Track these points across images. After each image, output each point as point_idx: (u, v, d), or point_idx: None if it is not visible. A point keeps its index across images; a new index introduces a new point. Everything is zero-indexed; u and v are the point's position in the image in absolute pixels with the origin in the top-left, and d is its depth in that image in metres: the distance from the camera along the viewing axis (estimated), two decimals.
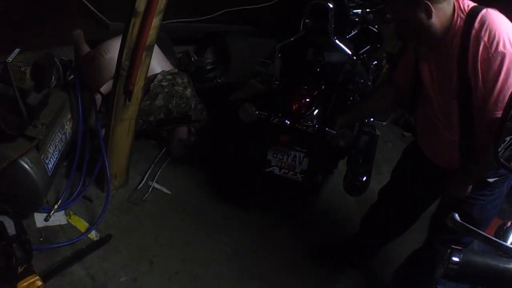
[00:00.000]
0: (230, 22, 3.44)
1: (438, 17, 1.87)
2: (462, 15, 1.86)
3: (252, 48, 3.39)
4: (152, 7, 2.21)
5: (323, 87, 2.63)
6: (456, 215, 1.25)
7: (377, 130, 2.91)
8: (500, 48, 1.76)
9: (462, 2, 1.90)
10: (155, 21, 2.29)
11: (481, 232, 1.23)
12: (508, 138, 1.37)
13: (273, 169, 2.62)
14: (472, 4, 1.91)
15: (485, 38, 1.79)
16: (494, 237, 1.35)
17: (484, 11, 1.84)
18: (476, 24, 1.82)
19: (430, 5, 1.85)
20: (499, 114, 1.74)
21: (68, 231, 2.39)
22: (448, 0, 1.89)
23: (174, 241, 2.55)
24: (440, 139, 2.08)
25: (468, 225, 1.24)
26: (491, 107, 1.81)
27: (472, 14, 1.85)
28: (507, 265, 1.10)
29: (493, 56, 1.78)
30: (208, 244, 2.60)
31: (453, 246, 1.09)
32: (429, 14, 1.87)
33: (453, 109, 1.94)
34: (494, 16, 1.83)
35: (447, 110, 1.97)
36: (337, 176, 2.82)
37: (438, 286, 2.31)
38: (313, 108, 2.53)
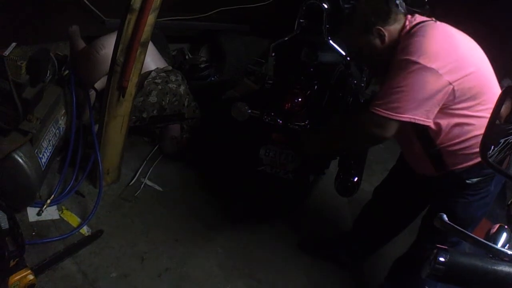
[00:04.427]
0: (225, 20, 3.46)
1: (391, 40, 1.90)
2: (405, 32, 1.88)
3: (246, 47, 3.41)
4: (148, 4, 2.22)
5: (316, 87, 2.64)
6: (444, 216, 1.23)
7: None
8: (407, 56, 1.77)
9: (411, 19, 1.90)
10: (150, 18, 2.30)
11: (469, 233, 1.21)
12: (502, 140, 1.37)
13: (265, 167, 2.62)
14: (421, 19, 1.90)
15: (400, 46, 1.83)
16: (484, 239, 1.33)
17: (421, 24, 1.86)
18: (406, 38, 1.84)
19: (382, 29, 1.88)
20: (374, 109, 1.82)
21: (60, 226, 2.40)
22: (398, 20, 1.90)
23: (165, 238, 2.57)
24: (413, 150, 2.10)
25: (456, 226, 1.21)
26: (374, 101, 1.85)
27: (411, 29, 1.87)
28: (495, 267, 1.07)
29: (397, 61, 1.81)
30: (198, 242, 2.61)
31: (439, 246, 1.06)
32: (382, 38, 1.90)
33: (407, 126, 1.92)
34: (427, 28, 1.83)
35: (403, 127, 1.96)
36: (329, 176, 2.83)
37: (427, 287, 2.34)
38: (306, 108, 2.54)
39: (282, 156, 2.58)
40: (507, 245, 1.29)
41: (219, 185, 3.01)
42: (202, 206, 2.87)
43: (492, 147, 1.34)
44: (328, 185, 2.67)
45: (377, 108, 1.83)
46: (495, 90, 1.91)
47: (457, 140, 1.91)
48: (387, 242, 2.63)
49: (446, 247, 1.05)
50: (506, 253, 1.16)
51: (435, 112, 1.83)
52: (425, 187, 2.19)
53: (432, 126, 1.88)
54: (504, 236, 1.33)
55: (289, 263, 2.67)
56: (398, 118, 1.80)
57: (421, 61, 1.75)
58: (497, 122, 1.24)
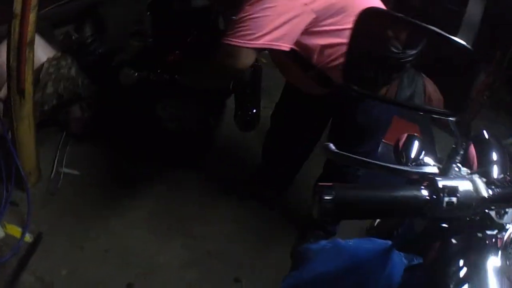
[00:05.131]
0: None
1: None
2: None
3: (126, 10, 3.38)
4: (27, 6, 2.19)
5: (195, 32, 2.68)
6: (331, 145, 1.10)
7: (262, 59, 2.98)
8: None
9: None
10: (32, 17, 2.27)
11: (361, 158, 1.09)
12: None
13: (166, 124, 2.71)
14: None
15: None
16: (400, 149, 1.30)
17: None
18: None
19: None
20: (225, 39, 1.79)
21: (9, 242, 2.41)
22: None
23: (95, 220, 2.65)
24: (293, 74, 2.14)
25: (345, 153, 1.08)
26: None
27: None
28: (391, 193, 0.96)
29: None
30: (127, 214, 2.72)
31: (322, 184, 0.94)
32: None
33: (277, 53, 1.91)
34: None
35: (273, 54, 1.97)
36: (230, 113, 2.87)
37: None
38: (189, 55, 2.57)
39: (178, 109, 2.66)
40: (422, 154, 1.26)
41: (130, 154, 3.04)
42: (119, 178, 2.94)
43: None
44: (231, 123, 2.71)
45: (227, 38, 1.79)
46: (364, 2, 1.78)
47: (333, 57, 1.90)
48: (300, 165, 2.74)
49: (330, 183, 0.94)
50: (411, 171, 1.10)
51: (295, 36, 1.81)
52: (319, 102, 2.20)
53: (301, 50, 1.88)
54: (415, 146, 1.29)
55: (217, 211, 2.84)
56: (249, 45, 1.76)
57: None
58: None
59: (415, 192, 0.95)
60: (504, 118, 4.19)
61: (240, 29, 1.75)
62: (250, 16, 1.73)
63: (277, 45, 1.78)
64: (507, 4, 3.62)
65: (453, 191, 0.94)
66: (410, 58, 1.54)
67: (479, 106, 3.82)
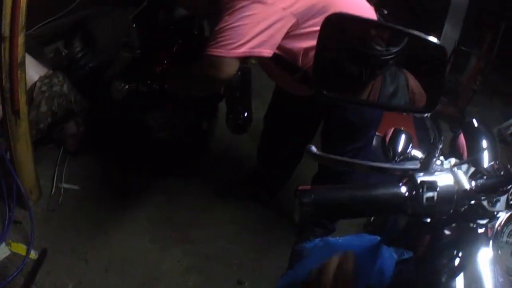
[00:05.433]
0: (90, 4, 3.44)
1: None
2: None
3: (114, 23, 3.40)
4: (15, 29, 2.23)
5: (180, 41, 2.70)
6: (313, 147, 1.10)
7: (252, 60, 3.03)
8: None
9: None
10: (21, 39, 2.30)
11: (343, 159, 1.11)
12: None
13: (157, 133, 2.73)
14: None
15: None
16: (387, 144, 1.27)
17: None
18: None
19: None
20: (206, 51, 1.80)
21: (15, 260, 2.44)
22: None
23: (96, 233, 2.69)
24: (280, 78, 2.15)
25: (327, 155, 1.10)
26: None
27: None
28: (372, 192, 0.96)
29: (224, 3, 1.78)
30: (125, 226, 2.76)
31: (300, 188, 0.94)
32: None
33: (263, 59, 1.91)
34: None
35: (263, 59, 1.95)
36: (222, 117, 2.86)
37: None
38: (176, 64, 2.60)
39: (169, 117, 2.69)
40: (409, 147, 1.25)
41: (126, 166, 3.08)
42: (117, 190, 2.98)
43: None
44: (224, 127, 2.74)
45: (209, 49, 1.80)
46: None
47: None
48: (294, 166, 2.75)
49: (308, 187, 0.95)
50: (392, 168, 1.12)
51: (277, 41, 1.81)
52: (309, 104, 2.20)
53: (285, 54, 1.89)
54: (402, 140, 1.27)
55: (213, 214, 2.88)
56: (231, 55, 1.78)
57: None
58: None
59: (394, 189, 0.95)
60: (498, 103, 4.20)
61: (220, 39, 1.77)
62: (230, 26, 1.74)
63: (259, 52, 1.79)
64: None
65: (432, 186, 0.94)
66: (393, 56, 1.58)
67: (472, 93, 3.83)
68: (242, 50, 1.77)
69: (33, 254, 2.49)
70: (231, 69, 1.83)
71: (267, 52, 1.81)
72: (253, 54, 1.79)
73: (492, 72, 4.10)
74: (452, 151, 1.26)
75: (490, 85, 4.18)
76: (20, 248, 2.51)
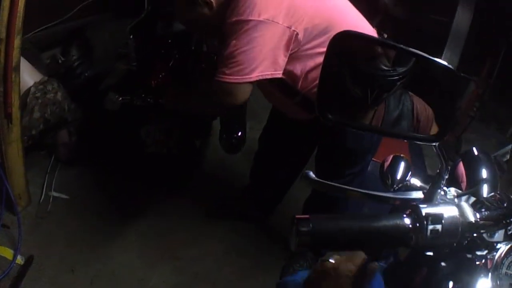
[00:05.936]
0: (89, 13, 3.42)
1: (219, 5, 1.82)
2: None
3: (112, 33, 3.38)
4: (12, 31, 2.20)
5: (177, 56, 2.69)
6: (310, 173, 1.09)
7: None
8: (237, 18, 1.71)
9: None
10: (17, 42, 2.27)
11: (342, 186, 1.08)
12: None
13: (151, 148, 2.69)
14: None
15: (230, 9, 1.75)
16: (385, 171, 1.25)
17: None
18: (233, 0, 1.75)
19: None
20: (219, 77, 1.77)
21: (1, 263, 2.40)
22: None
23: (84, 245, 2.63)
24: (279, 101, 2.11)
25: (325, 182, 1.08)
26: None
27: None
28: (372, 223, 0.92)
29: (229, 24, 1.74)
30: (115, 239, 2.71)
31: (297, 216, 0.90)
32: (209, 6, 1.82)
33: (263, 83, 1.88)
34: None
35: (258, 84, 1.94)
36: (217, 135, 2.88)
37: None
38: (172, 78, 2.59)
39: (162, 133, 2.64)
40: (408, 175, 1.22)
41: (118, 178, 3.05)
42: (108, 202, 2.92)
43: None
44: (218, 145, 2.74)
45: (221, 76, 1.77)
46: (348, 20, 1.89)
47: (317, 81, 1.91)
48: (288, 187, 2.69)
49: (307, 215, 0.91)
50: (393, 198, 1.10)
51: (283, 61, 1.79)
52: (306, 128, 2.13)
53: (285, 76, 1.85)
54: (401, 167, 1.25)
55: (204, 233, 2.82)
56: (245, 81, 1.76)
57: (252, 17, 1.68)
58: None
59: (397, 221, 0.91)
60: (495, 130, 4.18)
61: (232, 65, 1.74)
62: (240, 50, 1.71)
63: (270, 74, 1.78)
64: (495, 13, 3.64)
65: (437, 218, 0.91)
66: (400, 76, 1.55)
67: (469, 120, 3.80)
68: (255, 75, 1.74)
69: (20, 260, 2.44)
70: (246, 94, 1.82)
71: (276, 74, 1.79)
72: (266, 77, 1.77)
73: (490, 99, 4.07)
74: (450, 179, 1.19)
75: (488, 111, 4.15)
76: (7, 252, 2.47)
